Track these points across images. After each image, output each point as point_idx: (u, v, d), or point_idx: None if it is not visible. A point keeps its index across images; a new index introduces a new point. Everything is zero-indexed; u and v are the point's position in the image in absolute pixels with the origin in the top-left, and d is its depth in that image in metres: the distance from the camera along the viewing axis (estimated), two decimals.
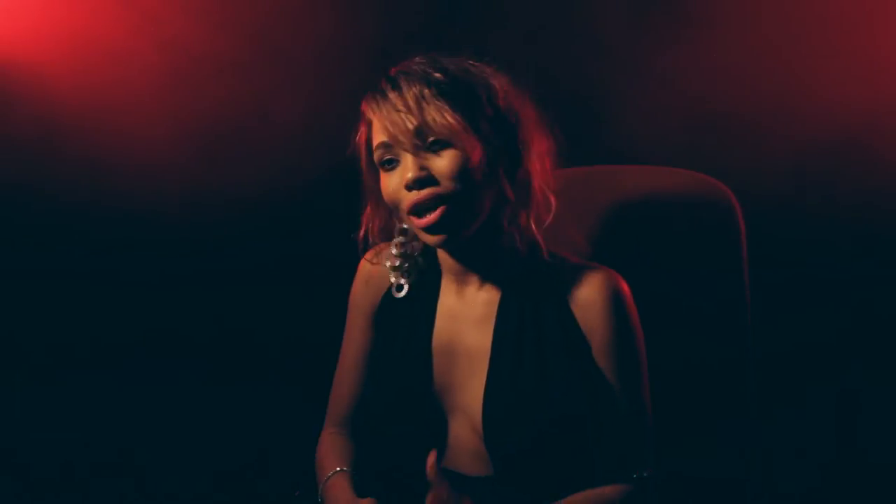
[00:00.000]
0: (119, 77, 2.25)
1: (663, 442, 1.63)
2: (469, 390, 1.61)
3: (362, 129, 1.62)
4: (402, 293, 1.66)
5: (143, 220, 2.31)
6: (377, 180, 1.60)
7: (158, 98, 2.27)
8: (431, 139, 1.52)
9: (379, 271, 1.72)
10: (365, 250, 1.70)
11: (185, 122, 2.29)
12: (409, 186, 1.52)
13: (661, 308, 1.72)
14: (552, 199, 1.57)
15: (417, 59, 1.57)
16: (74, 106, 2.23)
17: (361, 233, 1.68)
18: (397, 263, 1.67)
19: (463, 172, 1.51)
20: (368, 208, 1.67)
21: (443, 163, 1.51)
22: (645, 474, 1.58)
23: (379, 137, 1.56)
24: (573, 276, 1.59)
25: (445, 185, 1.51)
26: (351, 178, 1.65)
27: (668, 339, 1.73)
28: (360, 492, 1.62)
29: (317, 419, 1.80)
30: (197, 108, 2.29)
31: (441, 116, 1.50)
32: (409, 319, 1.69)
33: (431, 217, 1.52)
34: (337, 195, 2.25)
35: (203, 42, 2.26)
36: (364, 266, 1.75)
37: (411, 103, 1.51)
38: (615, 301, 1.57)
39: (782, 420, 2.24)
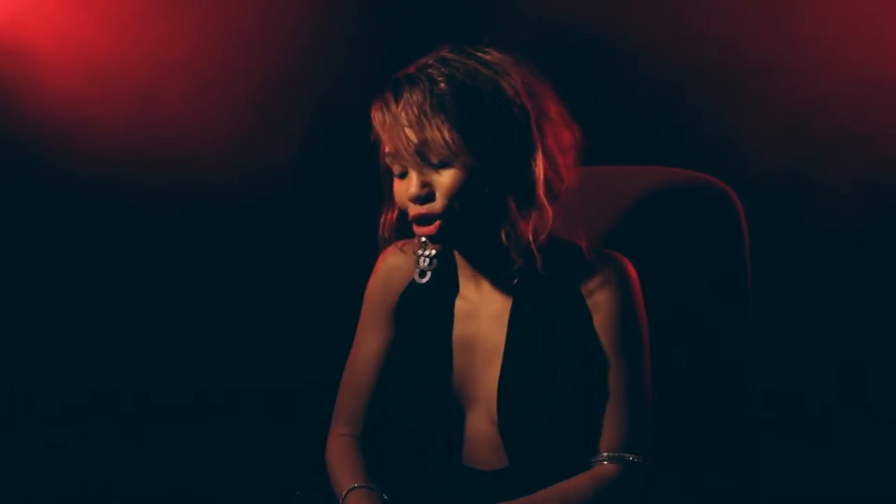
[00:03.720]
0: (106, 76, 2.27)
1: (662, 435, 1.64)
2: (486, 383, 1.63)
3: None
4: (426, 279, 1.65)
5: (143, 218, 2.34)
6: (391, 179, 1.62)
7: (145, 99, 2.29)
8: (433, 158, 1.52)
9: (399, 265, 1.73)
10: (386, 243, 1.69)
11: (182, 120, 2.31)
12: (412, 200, 1.55)
13: (664, 306, 1.72)
14: (549, 212, 1.55)
15: (426, 60, 1.56)
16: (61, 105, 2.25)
17: (384, 227, 1.68)
18: (419, 250, 1.67)
19: (462, 191, 1.52)
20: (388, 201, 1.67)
21: (443, 181, 1.53)
22: (633, 459, 1.57)
23: (386, 147, 1.57)
24: (584, 262, 1.61)
25: (443, 203, 1.53)
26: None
27: (670, 337, 1.74)
28: None
29: (320, 416, 1.80)
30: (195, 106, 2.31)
31: (441, 136, 1.50)
32: (428, 314, 1.70)
33: (428, 229, 1.55)
34: (338, 192, 2.29)
35: (194, 42, 2.28)
36: (384, 260, 1.75)
37: (412, 119, 1.50)
38: (622, 282, 1.59)
39: (783, 417, 2.25)
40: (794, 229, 2.23)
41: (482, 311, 1.66)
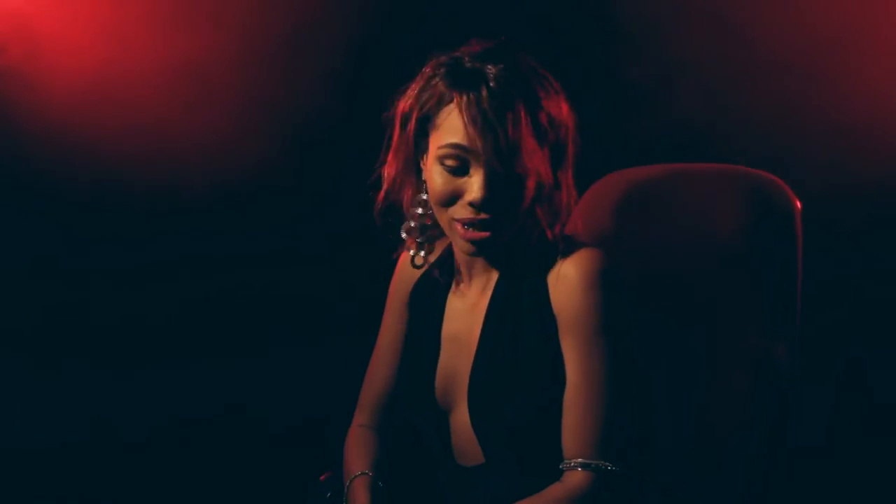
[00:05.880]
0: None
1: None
2: (465, 378, 1.61)
3: (417, 98, 1.54)
4: (421, 264, 1.65)
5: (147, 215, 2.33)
6: (413, 150, 1.56)
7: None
8: (515, 163, 1.47)
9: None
10: (381, 211, 1.62)
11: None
12: (473, 205, 1.49)
13: (710, 301, 1.72)
14: (573, 208, 1.57)
15: (500, 60, 1.49)
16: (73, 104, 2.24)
17: (382, 194, 1.62)
18: (416, 237, 1.63)
19: (521, 203, 1.50)
20: (393, 170, 1.60)
21: (510, 192, 1.49)
22: (603, 466, 1.50)
23: (455, 137, 1.49)
24: (557, 255, 1.56)
25: (504, 213, 1.50)
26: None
27: (713, 334, 1.74)
28: (380, 497, 1.63)
29: (345, 404, 1.81)
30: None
31: (532, 153, 1.47)
32: (427, 309, 1.70)
33: (479, 235, 1.51)
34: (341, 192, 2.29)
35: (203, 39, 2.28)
36: (404, 257, 1.74)
37: (510, 129, 1.45)
38: (588, 278, 1.52)
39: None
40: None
41: (468, 306, 1.65)
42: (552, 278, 1.55)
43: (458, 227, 1.52)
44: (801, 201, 1.75)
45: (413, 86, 1.56)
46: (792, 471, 2.11)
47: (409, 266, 1.73)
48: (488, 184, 1.48)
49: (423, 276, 1.73)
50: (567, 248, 1.56)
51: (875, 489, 2.24)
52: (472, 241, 1.51)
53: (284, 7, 2.31)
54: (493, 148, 1.45)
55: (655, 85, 2.27)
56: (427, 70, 1.54)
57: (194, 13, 2.27)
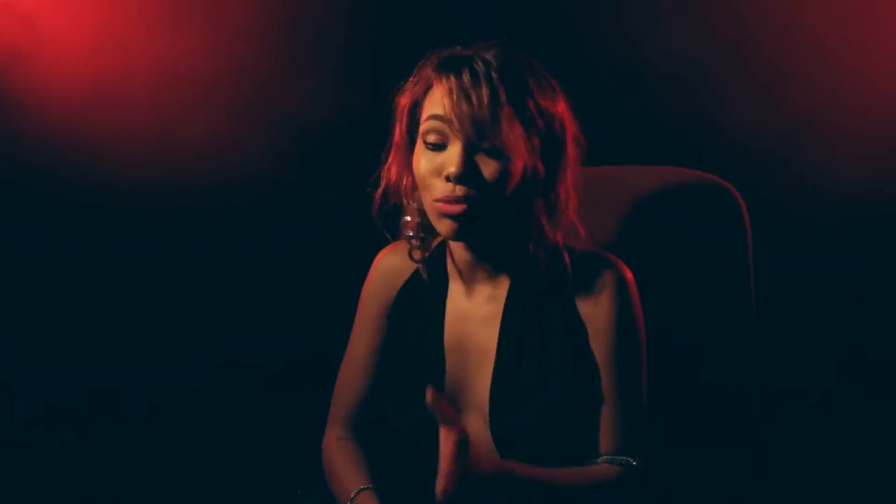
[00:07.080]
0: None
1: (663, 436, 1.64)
2: (479, 386, 1.61)
3: (412, 89, 1.57)
4: (420, 259, 1.65)
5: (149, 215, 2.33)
6: (408, 140, 1.58)
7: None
8: (488, 144, 1.48)
9: (395, 266, 1.72)
10: (379, 209, 1.64)
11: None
12: (449, 179, 1.49)
13: (666, 305, 1.72)
14: (573, 216, 1.57)
15: (493, 49, 1.51)
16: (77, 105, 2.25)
17: (379, 192, 1.63)
18: (411, 234, 1.64)
19: (502, 184, 1.49)
20: (394, 165, 1.62)
21: (489, 170, 1.49)
22: (630, 462, 1.56)
23: (435, 109, 1.51)
24: (577, 265, 1.59)
25: (481, 190, 1.49)
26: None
27: (673, 337, 1.75)
28: None
29: (318, 415, 1.79)
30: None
31: (510, 129, 1.47)
32: (420, 318, 1.68)
33: (454, 208, 1.49)
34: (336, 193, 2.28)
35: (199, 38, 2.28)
36: (380, 261, 1.74)
37: (485, 99, 1.46)
38: (615, 287, 1.57)
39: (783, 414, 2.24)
40: (793, 229, 2.23)
41: (473, 314, 1.64)
42: (577, 286, 1.58)
43: (438, 205, 1.51)
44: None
45: (410, 79, 1.58)
46: (784, 467, 2.16)
47: (385, 271, 1.73)
48: (465, 156, 1.48)
49: (408, 281, 1.71)
50: (586, 256, 1.59)
51: (871, 486, 2.23)
52: (450, 216, 1.50)
53: (285, 7, 2.30)
54: (470, 116, 1.46)
55: (629, 82, 2.27)
56: (421, 62, 1.57)
57: (193, 13, 2.27)
